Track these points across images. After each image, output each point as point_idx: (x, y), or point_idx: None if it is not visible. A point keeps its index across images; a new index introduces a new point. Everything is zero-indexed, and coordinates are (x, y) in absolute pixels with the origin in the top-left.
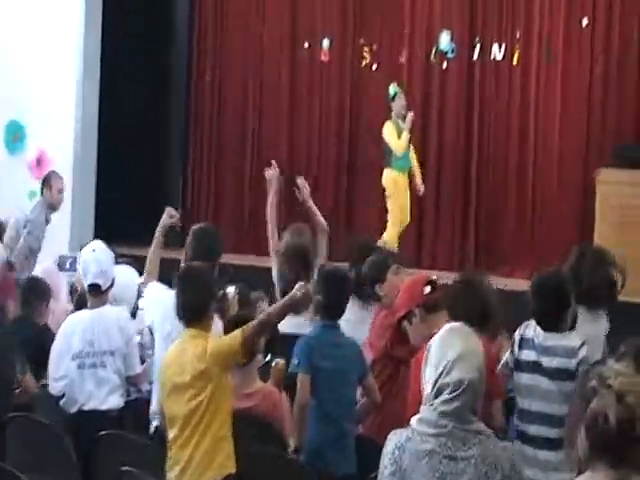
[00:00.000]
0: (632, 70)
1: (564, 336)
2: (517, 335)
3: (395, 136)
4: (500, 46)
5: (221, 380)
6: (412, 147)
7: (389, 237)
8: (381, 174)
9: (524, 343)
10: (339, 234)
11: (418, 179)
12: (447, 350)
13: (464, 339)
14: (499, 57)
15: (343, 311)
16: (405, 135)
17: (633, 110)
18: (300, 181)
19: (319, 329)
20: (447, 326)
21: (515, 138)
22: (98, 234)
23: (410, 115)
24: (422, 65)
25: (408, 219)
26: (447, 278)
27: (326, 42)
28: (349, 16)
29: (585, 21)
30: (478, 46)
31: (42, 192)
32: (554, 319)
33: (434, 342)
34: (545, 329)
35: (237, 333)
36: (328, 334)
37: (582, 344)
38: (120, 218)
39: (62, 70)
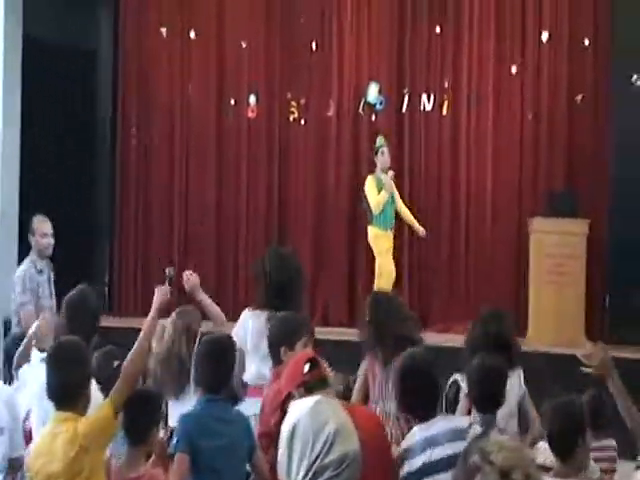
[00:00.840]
0: (561, 117)
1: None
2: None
3: (375, 192)
4: (429, 96)
5: (96, 464)
6: (398, 200)
7: (381, 286)
8: (312, 230)
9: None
10: None
11: (415, 225)
12: (322, 425)
13: (336, 410)
14: (428, 107)
15: (227, 382)
16: (383, 194)
17: (564, 157)
18: (185, 273)
19: (203, 404)
20: (311, 400)
21: (447, 189)
22: None
23: (390, 173)
24: (351, 118)
25: (393, 275)
26: None
27: (252, 98)
28: (275, 70)
29: (514, 68)
30: (407, 97)
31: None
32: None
33: (301, 418)
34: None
35: (105, 402)
36: (212, 409)
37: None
38: None
39: None
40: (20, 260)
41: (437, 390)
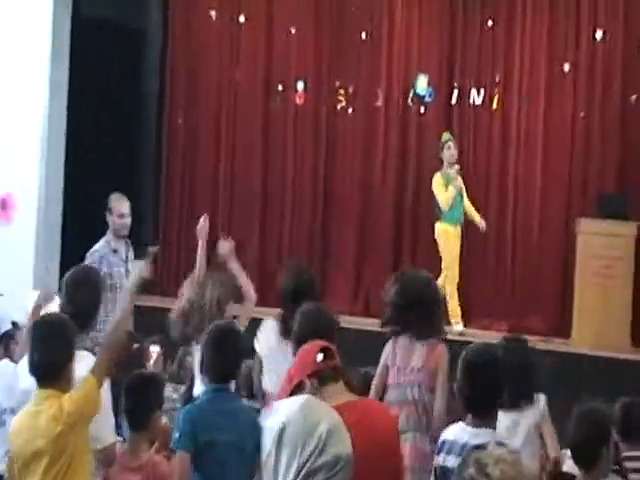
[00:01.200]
0: (614, 117)
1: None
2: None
3: (443, 189)
4: (479, 90)
5: (81, 440)
6: (464, 193)
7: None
8: (357, 220)
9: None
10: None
11: (477, 219)
12: (314, 425)
13: (328, 410)
14: (478, 102)
15: (234, 371)
16: (451, 190)
17: (615, 157)
18: (221, 243)
19: (208, 394)
20: (301, 398)
21: (495, 185)
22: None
23: (456, 167)
24: (399, 109)
25: (457, 272)
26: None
27: (301, 84)
28: (324, 57)
29: (567, 66)
30: (456, 90)
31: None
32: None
33: (292, 417)
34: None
35: (87, 377)
36: (218, 400)
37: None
38: None
39: (27, 110)
40: (63, 239)
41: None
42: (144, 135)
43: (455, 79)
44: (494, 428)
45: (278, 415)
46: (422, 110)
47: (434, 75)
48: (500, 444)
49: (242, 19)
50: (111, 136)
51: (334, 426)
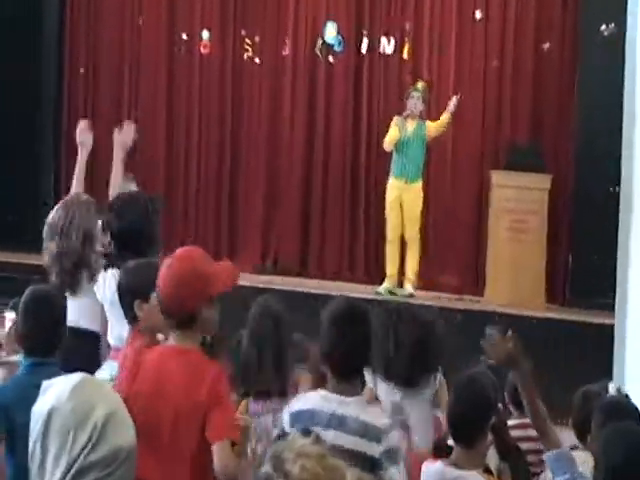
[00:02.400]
0: (527, 66)
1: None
2: None
3: (391, 131)
4: (389, 39)
5: None
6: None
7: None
8: (265, 171)
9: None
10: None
11: (445, 115)
12: (88, 411)
13: (107, 392)
14: (389, 50)
15: (55, 343)
16: (394, 132)
17: (529, 108)
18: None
19: (26, 369)
20: (73, 378)
21: None
22: None
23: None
24: (307, 59)
25: (395, 237)
26: (333, 288)
27: (206, 33)
28: (230, 5)
29: (479, 13)
30: (366, 39)
31: None
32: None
33: (59, 402)
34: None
35: None
36: (37, 376)
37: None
38: None
39: None
40: None
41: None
42: (45, 87)
43: (365, 27)
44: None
45: (46, 397)
46: (331, 60)
47: (343, 23)
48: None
49: None
50: (10, 87)
51: (113, 411)
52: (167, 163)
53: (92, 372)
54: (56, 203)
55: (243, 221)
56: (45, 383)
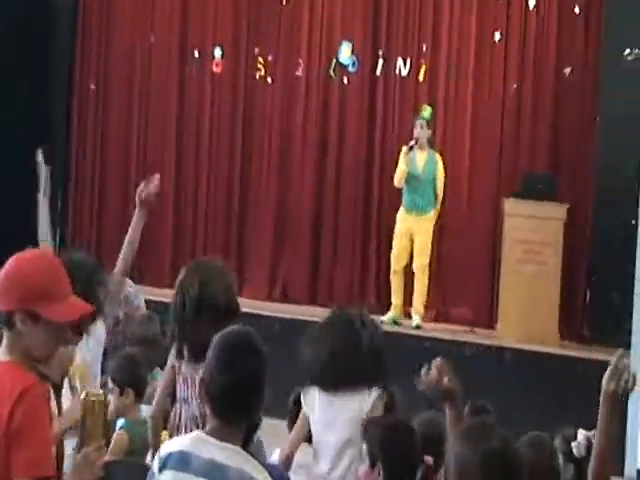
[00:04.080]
0: (547, 91)
1: None
2: None
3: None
4: (405, 60)
5: None
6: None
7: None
8: (276, 194)
9: None
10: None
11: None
12: None
13: None
14: (404, 72)
15: None
16: (402, 166)
17: (547, 135)
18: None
19: None
20: None
21: None
22: None
23: (404, 149)
24: (321, 79)
25: (400, 268)
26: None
27: (218, 51)
28: (243, 23)
29: (498, 35)
30: (381, 60)
31: None
32: None
33: None
34: None
35: None
36: None
37: None
38: None
39: None
40: None
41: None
42: (55, 102)
43: (380, 48)
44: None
45: None
46: (345, 80)
47: (358, 43)
48: None
49: None
50: (19, 102)
51: None
52: (176, 183)
53: None
54: (62, 223)
55: (252, 248)
56: None
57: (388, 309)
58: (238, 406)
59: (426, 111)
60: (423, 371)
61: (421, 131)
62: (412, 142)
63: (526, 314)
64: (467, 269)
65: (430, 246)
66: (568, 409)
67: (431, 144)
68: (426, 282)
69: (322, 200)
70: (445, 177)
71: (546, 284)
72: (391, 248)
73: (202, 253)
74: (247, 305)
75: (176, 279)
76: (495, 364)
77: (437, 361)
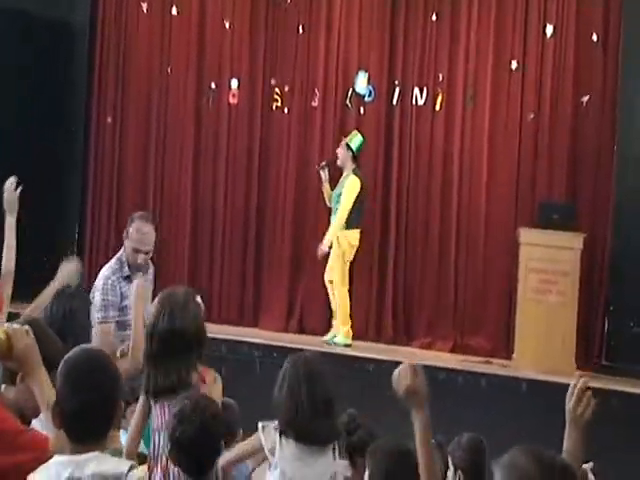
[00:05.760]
0: (565, 120)
1: None
2: None
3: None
4: (422, 90)
5: None
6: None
7: None
8: (292, 225)
9: None
10: (246, 294)
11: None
12: None
13: None
14: (420, 102)
15: None
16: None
17: (565, 163)
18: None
19: None
20: None
21: (437, 190)
22: None
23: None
24: (337, 109)
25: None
26: (360, 349)
27: (234, 82)
28: (259, 54)
29: (515, 64)
30: (398, 89)
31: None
32: None
33: None
34: None
35: None
36: None
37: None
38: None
39: None
40: None
41: None
42: (71, 136)
43: (397, 77)
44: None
45: None
46: (362, 110)
47: (374, 73)
48: None
49: (174, 12)
50: (35, 134)
51: None
52: (194, 214)
53: None
54: (79, 252)
55: (268, 279)
56: None
57: (407, 338)
58: (91, 428)
59: (353, 139)
60: (394, 374)
61: (339, 152)
62: (323, 162)
63: (543, 344)
64: (484, 299)
65: (339, 263)
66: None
67: (356, 167)
68: (339, 301)
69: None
70: (359, 197)
71: (563, 314)
72: (407, 278)
73: (219, 282)
74: (264, 336)
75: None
76: (511, 395)
77: (405, 363)
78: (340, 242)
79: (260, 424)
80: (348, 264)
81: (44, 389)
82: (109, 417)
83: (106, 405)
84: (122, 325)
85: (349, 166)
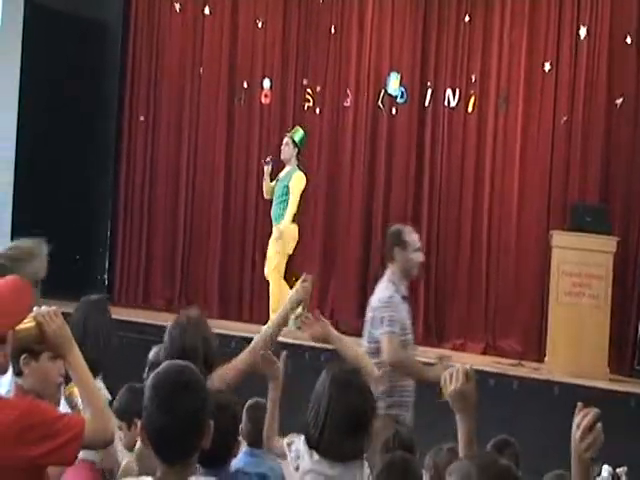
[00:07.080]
0: (598, 122)
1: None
2: None
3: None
4: (454, 91)
5: None
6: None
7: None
8: (323, 226)
9: None
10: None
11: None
12: None
13: None
14: (453, 103)
15: None
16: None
17: (598, 166)
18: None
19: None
20: None
21: (469, 191)
22: None
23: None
24: (369, 110)
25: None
26: None
27: (267, 82)
28: (291, 54)
29: (548, 66)
30: (430, 91)
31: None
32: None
33: None
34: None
35: None
36: None
37: None
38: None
39: None
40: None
41: None
42: (103, 135)
43: (429, 79)
44: None
45: None
46: (393, 111)
47: (407, 74)
48: None
49: (207, 11)
50: (67, 133)
51: None
52: (225, 213)
53: None
54: (111, 250)
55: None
56: None
57: (439, 339)
58: (180, 448)
59: (296, 134)
60: (444, 374)
61: (285, 148)
62: (268, 158)
63: (575, 347)
64: (516, 302)
65: (274, 255)
66: (617, 444)
67: (299, 162)
68: (275, 290)
69: (370, 231)
70: (303, 192)
71: (596, 317)
72: (438, 279)
73: (250, 285)
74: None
75: (223, 311)
76: (543, 398)
77: (458, 366)
78: (284, 235)
79: (285, 441)
80: (287, 257)
81: (79, 368)
82: (197, 438)
83: (195, 425)
84: None
85: (293, 162)
